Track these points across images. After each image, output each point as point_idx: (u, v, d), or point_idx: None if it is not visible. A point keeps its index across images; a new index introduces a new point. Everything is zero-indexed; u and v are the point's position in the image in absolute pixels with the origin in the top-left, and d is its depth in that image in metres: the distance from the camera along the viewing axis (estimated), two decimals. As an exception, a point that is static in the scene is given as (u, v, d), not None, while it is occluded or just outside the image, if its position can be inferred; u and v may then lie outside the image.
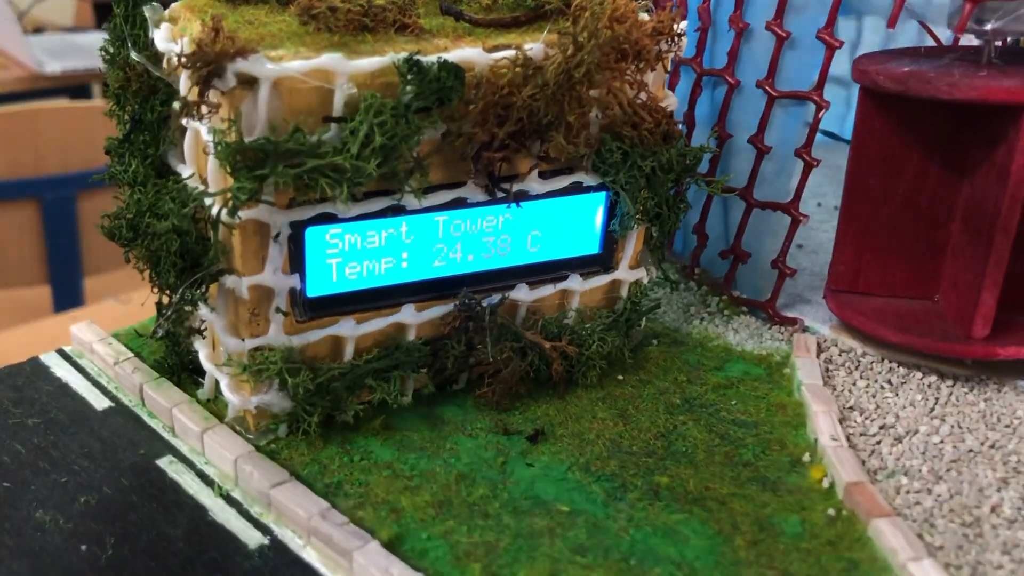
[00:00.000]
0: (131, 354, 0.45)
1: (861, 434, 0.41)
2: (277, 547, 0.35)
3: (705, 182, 0.46)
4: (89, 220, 1.68)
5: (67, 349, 0.47)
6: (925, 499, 0.37)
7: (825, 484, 0.38)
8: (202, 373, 0.42)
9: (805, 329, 0.49)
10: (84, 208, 1.70)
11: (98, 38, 2.65)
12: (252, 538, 0.35)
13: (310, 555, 0.34)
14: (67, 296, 1.66)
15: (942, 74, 0.41)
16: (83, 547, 0.34)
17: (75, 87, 2.40)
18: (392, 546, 0.34)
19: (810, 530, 0.36)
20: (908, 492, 0.38)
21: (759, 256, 0.51)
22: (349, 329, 0.39)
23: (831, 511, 0.37)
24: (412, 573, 0.32)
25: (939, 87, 0.40)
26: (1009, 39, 0.44)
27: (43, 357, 0.46)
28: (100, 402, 0.43)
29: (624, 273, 0.46)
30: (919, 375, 0.46)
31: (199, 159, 0.38)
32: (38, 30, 2.67)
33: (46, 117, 1.83)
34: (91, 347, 0.46)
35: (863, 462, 0.39)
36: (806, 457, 0.40)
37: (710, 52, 0.52)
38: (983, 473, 0.39)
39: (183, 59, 0.34)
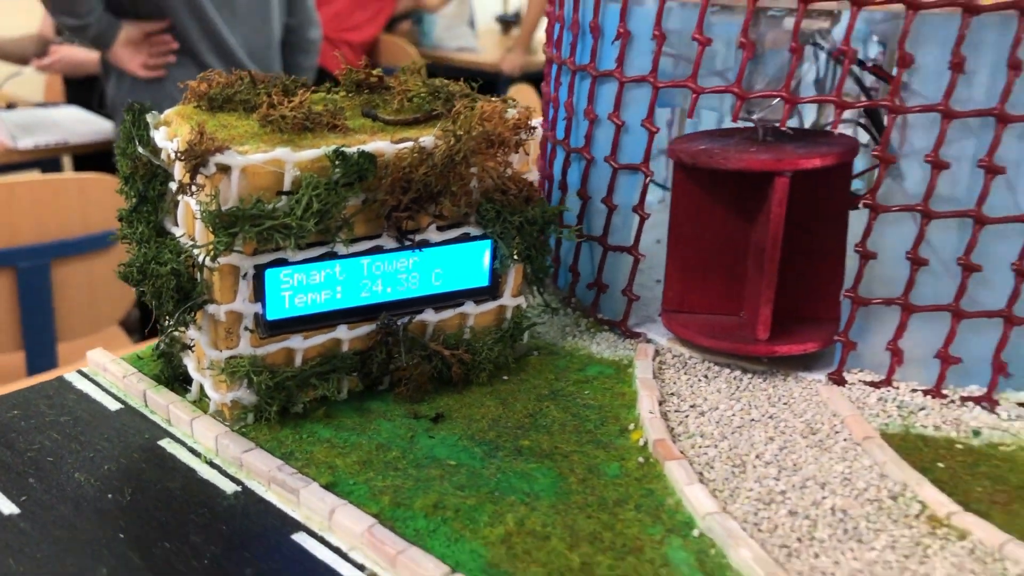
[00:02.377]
0: (135, 370, 0.59)
1: (675, 411, 0.57)
2: (247, 492, 0.49)
3: (563, 231, 0.62)
4: (63, 287, 1.79)
5: (84, 369, 0.61)
6: (711, 451, 0.53)
7: (641, 443, 0.54)
8: (189, 382, 0.57)
9: (648, 341, 0.65)
10: (58, 275, 1.82)
11: (68, 113, 2.77)
12: (229, 487, 0.49)
13: (270, 496, 0.49)
14: (41, 361, 1.77)
15: (721, 150, 0.57)
16: (109, 495, 0.48)
17: (47, 160, 2.54)
18: (327, 488, 0.48)
19: (624, 472, 0.51)
20: (699, 447, 0.53)
21: (615, 287, 0.66)
22: (298, 343, 0.54)
23: (641, 459, 0.52)
24: (340, 501, 0.47)
25: (718, 160, 0.57)
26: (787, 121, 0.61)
27: (66, 376, 0.61)
28: (113, 405, 0.57)
29: (507, 300, 0.61)
30: (728, 371, 0.61)
31: (188, 222, 0.53)
32: (11, 106, 2.80)
33: (20, 190, 1.96)
34: (104, 366, 0.60)
35: (671, 429, 0.55)
36: (632, 427, 0.55)
37: (574, 135, 0.68)
38: (758, 434, 0.54)
39: (178, 154, 0.49)
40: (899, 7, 0.51)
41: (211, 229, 0.49)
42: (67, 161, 2.74)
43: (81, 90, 2.95)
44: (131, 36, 1.87)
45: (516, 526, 0.46)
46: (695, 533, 0.46)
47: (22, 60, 2.87)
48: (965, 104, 0.52)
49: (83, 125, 2.52)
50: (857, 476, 0.50)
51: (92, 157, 2.43)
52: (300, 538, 0.46)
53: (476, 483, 0.49)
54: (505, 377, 0.61)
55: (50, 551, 0.44)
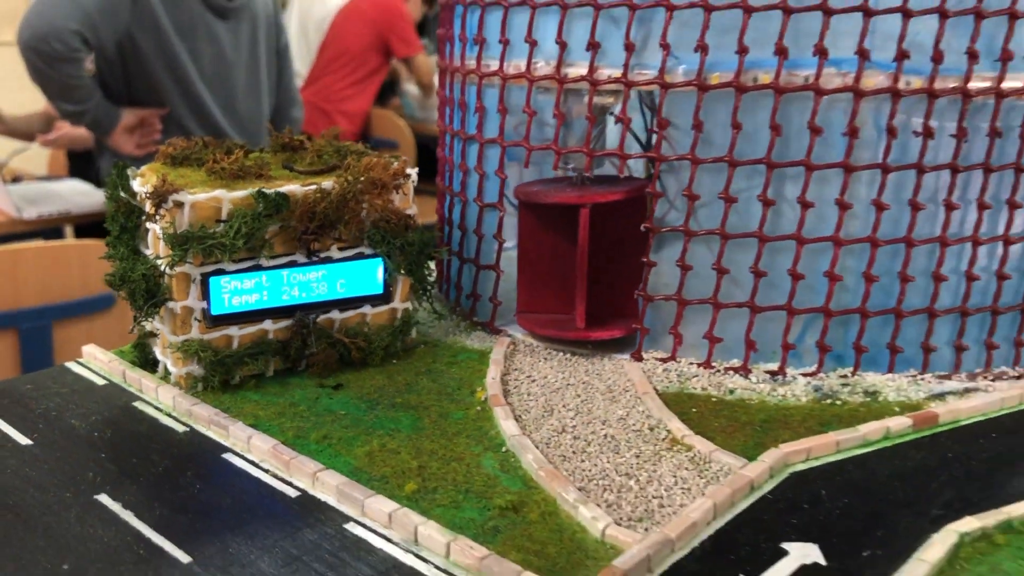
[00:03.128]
0: (117, 358, 0.80)
1: (514, 380, 0.77)
2: (193, 431, 0.69)
3: (437, 252, 0.83)
4: (63, 347, 1.97)
5: (80, 360, 0.82)
6: (531, 403, 0.73)
7: (483, 399, 0.74)
8: (157, 365, 0.77)
9: (509, 335, 0.86)
10: (59, 336, 2.00)
11: (71, 185, 2.96)
12: (181, 428, 0.69)
13: (210, 433, 0.69)
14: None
15: (544, 191, 0.79)
16: (95, 433, 0.68)
17: (49, 229, 2.71)
18: (250, 426, 0.68)
19: (466, 416, 0.71)
20: (523, 400, 0.73)
21: (485, 295, 0.87)
22: (235, 331, 0.75)
23: (479, 408, 0.72)
24: (256, 431, 0.67)
25: (540, 197, 0.78)
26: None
27: (67, 364, 0.81)
28: (100, 381, 0.77)
29: (397, 304, 0.82)
30: (562, 354, 0.82)
31: (154, 243, 0.74)
32: (16, 179, 3.01)
33: (25, 256, 2.15)
34: (95, 356, 0.80)
35: (506, 390, 0.75)
36: (479, 389, 0.76)
37: (456, 183, 0.90)
38: (569, 393, 0.75)
39: (147, 195, 0.70)
40: (653, 86, 0.73)
41: (169, 246, 0.70)
42: (68, 230, 2.92)
43: (83, 163, 3.16)
44: (128, 123, 2.03)
45: (379, 447, 0.66)
46: (503, 449, 0.66)
47: (28, 136, 3.05)
48: (708, 153, 0.74)
49: (84, 197, 2.68)
50: (631, 417, 0.70)
51: (92, 226, 2.60)
52: (228, 456, 0.66)
53: (357, 425, 0.70)
54: (395, 361, 0.81)
55: (54, 465, 0.64)
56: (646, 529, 0.56)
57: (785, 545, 0.56)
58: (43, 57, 1.88)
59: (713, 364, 0.78)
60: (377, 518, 0.57)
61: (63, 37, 1.87)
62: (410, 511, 0.57)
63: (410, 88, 3.93)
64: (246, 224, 0.71)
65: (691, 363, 0.79)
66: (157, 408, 0.73)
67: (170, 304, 0.72)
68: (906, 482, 0.63)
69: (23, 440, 0.67)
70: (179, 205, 0.70)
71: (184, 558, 0.53)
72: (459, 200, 0.89)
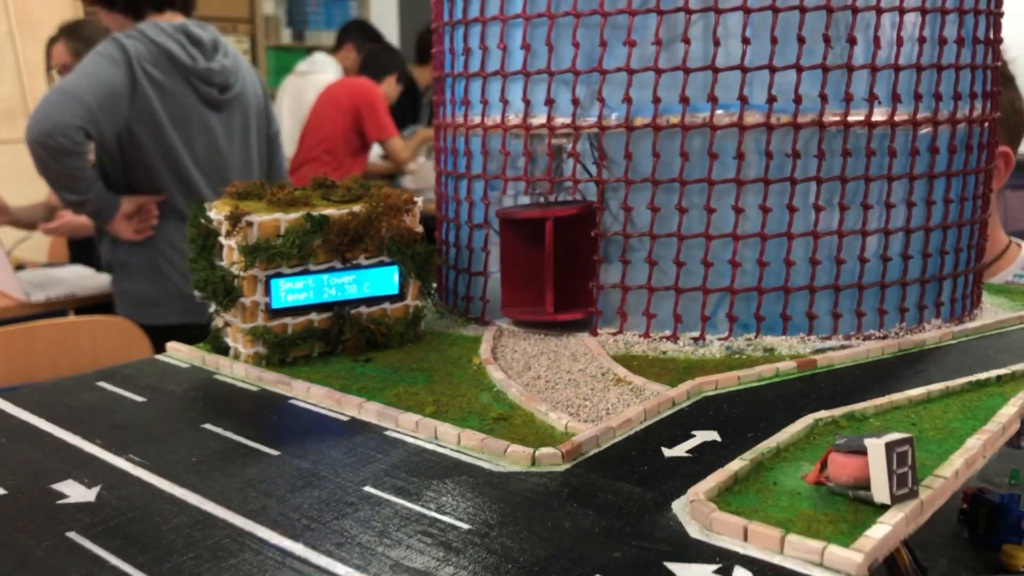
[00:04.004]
0: (196, 349, 1.04)
1: (500, 351, 1.01)
2: (263, 390, 0.93)
3: (437, 260, 1.08)
4: None
5: (164, 354, 1.06)
6: (514, 364, 0.97)
7: (477, 364, 0.98)
8: (227, 352, 1.01)
9: (496, 325, 1.10)
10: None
11: (74, 270, 3.13)
12: (254, 388, 0.93)
13: (277, 388, 0.93)
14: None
15: (517, 211, 1.05)
16: (191, 393, 0.92)
17: (55, 312, 2.89)
18: (308, 383, 0.92)
19: (466, 373, 0.95)
20: (508, 362, 0.97)
21: (476, 296, 1.12)
22: (289, 320, 0.99)
23: (476, 369, 0.96)
24: (314, 385, 0.91)
25: (514, 214, 1.04)
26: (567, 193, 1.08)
27: (155, 356, 1.05)
28: (184, 365, 1.01)
29: (409, 301, 1.07)
30: (537, 335, 1.06)
31: (228, 255, 0.98)
32: (19, 267, 3.21)
33: (38, 332, 2.32)
34: (178, 348, 1.05)
35: (495, 357, 0.99)
36: (475, 358, 1.00)
37: (451, 211, 1.16)
38: (544, 358, 0.99)
39: (225, 218, 0.96)
40: (595, 129, 1.00)
41: (242, 255, 0.95)
42: (71, 314, 3.09)
43: (82, 250, 3.35)
44: (127, 211, 2.18)
45: (403, 392, 0.90)
46: (495, 389, 0.90)
47: (31, 226, 3.23)
48: (637, 175, 1.00)
49: (88, 280, 2.84)
50: (588, 369, 0.95)
51: (93, 308, 2.73)
52: (293, 401, 0.90)
53: (385, 381, 0.94)
54: (409, 344, 1.06)
55: (167, 411, 0.88)
56: (565, 427, 0.80)
57: (693, 432, 0.80)
58: (49, 151, 2.03)
59: (651, 335, 1.03)
60: (407, 426, 0.81)
61: (68, 132, 2.02)
62: (431, 419, 0.81)
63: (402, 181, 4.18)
64: (298, 238, 0.96)
65: (634, 335, 1.04)
66: (232, 379, 0.97)
67: (242, 299, 0.97)
68: (787, 401, 0.87)
69: (138, 398, 0.91)
70: (249, 224, 0.95)
71: (275, 452, 0.77)
72: (453, 224, 1.15)
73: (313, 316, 1.01)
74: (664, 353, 1.00)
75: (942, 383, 0.88)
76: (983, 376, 0.89)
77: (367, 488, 0.70)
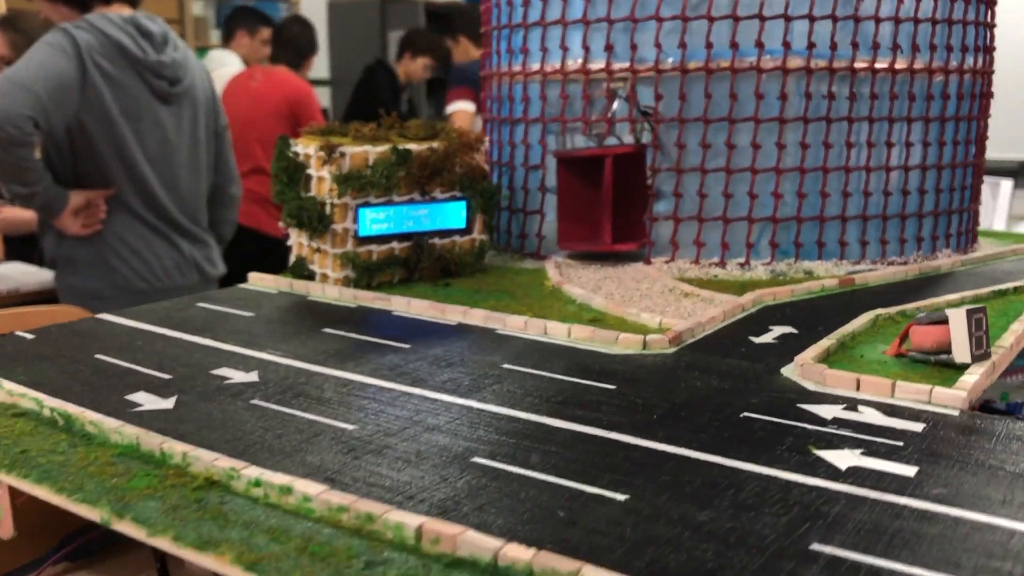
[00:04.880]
0: (280, 277, 1.10)
1: (568, 278, 1.10)
2: (361, 307, 1.00)
3: (499, 198, 1.16)
4: None
5: (246, 284, 1.11)
6: (585, 286, 1.06)
7: (551, 286, 1.07)
8: (312, 278, 1.08)
9: (554, 260, 1.19)
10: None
11: (14, 267, 3.05)
12: (352, 305, 1.00)
13: (375, 304, 1.00)
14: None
15: (577, 151, 1.14)
16: (298, 310, 0.98)
17: None
18: (406, 299, 1.00)
19: (543, 292, 1.04)
20: (579, 285, 1.06)
21: (531, 234, 1.21)
22: (374, 248, 1.06)
23: (551, 289, 1.05)
24: (413, 299, 0.98)
25: (575, 154, 1.13)
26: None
27: (239, 285, 1.10)
28: (273, 291, 1.08)
29: (475, 235, 1.15)
30: (595, 265, 1.16)
31: (318, 186, 1.05)
32: None
33: None
34: (261, 278, 1.11)
35: (563, 281, 1.08)
36: (546, 282, 1.09)
37: (504, 156, 1.24)
38: (609, 281, 1.08)
39: (319, 149, 1.02)
40: (652, 73, 1.10)
41: (336, 184, 1.02)
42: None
43: (20, 247, 3.25)
44: (76, 205, 2.15)
45: (496, 305, 0.98)
46: (577, 302, 0.99)
47: None
48: (690, 115, 1.10)
49: (29, 276, 2.77)
50: (654, 288, 1.04)
51: (38, 304, 2.70)
52: (396, 314, 0.97)
53: (473, 298, 1.02)
54: (478, 274, 1.14)
55: (275, 324, 0.94)
56: (659, 323, 0.90)
57: (770, 327, 0.90)
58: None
59: (700, 262, 1.13)
60: (516, 326, 0.90)
61: (17, 122, 1.98)
62: (538, 318, 0.89)
63: None
64: (385, 170, 1.04)
65: (685, 262, 1.14)
66: (326, 299, 1.04)
67: (334, 226, 1.04)
68: (839, 307, 0.98)
69: (246, 313, 0.97)
70: (342, 155, 1.02)
71: (405, 346, 0.85)
72: (507, 168, 1.24)
73: (394, 245, 1.08)
74: (715, 276, 1.10)
75: (971, 291, 1.00)
76: (1002, 287, 1.02)
77: (505, 365, 0.78)
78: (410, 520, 0.48)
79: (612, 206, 1.14)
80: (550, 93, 1.18)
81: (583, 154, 1.14)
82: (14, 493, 0.67)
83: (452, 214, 1.12)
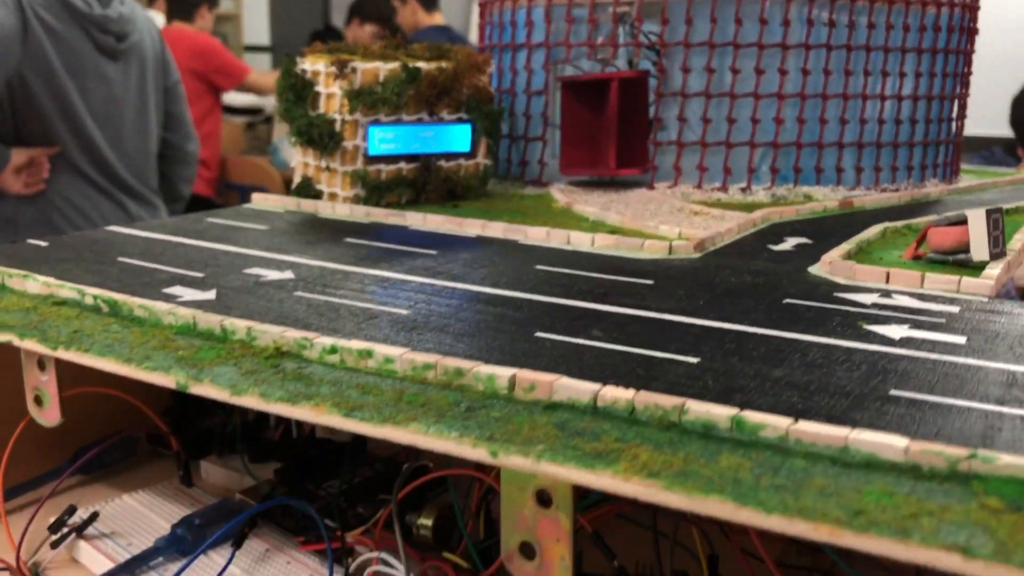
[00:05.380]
0: (286, 197, 1.09)
1: (575, 202, 1.11)
2: (375, 223, 1.00)
3: (501, 122, 1.17)
4: None
5: (250, 204, 1.10)
6: (594, 208, 1.07)
7: (559, 207, 1.08)
8: (319, 196, 1.07)
9: (556, 186, 1.20)
10: None
11: None
12: (366, 221, 1.00)
13: (389, 220, 0.99)
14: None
15: (581, 75, 1.14)
16: (310, 225, 0.98)
17: None
18: (421, 214, 1.00)
19: (554, 211, 1.05)
20: (588, 207, 1.07)
21: (533, 161, 1.22)
22: (383, 167, 1.06)
23: (561, 209, 1.06)
24: (428, 214, 0.98)
25: (581, 77, 1.14)
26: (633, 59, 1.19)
27: (244, 205, 1.09)
28: (280, 210, 1.06)
29: (479, 159, 1.15)
30: (600, 190, 1.17)
31: (327, 103, 1.04)
32: None
33: None
34: (266, 198, 1.09)
35: (571, 203, 1.09)
36: (555, 204, 1.09)
37: (506, 82, 1.24)
38: (614, 204, 1.09)
39: (331, 64, 1.01)
40: (659, -4, 1.11)
41: (347, 99, 1.01)
42: None
43: None
44: (18, 163, 2.08)
45: (510, 219, 0.99)
46: (591, 220, 1.00)
47: None
48: (695, 40, 1.12)
49: None
50: (662, 208, 1.06)
51: None
52: (412, 229, 0.97)
53: (486, 214, 1.02)
54: (483, 198, 1.14)
55: (303, 237, 0.93)
56: (679, 234, 0.92)
57: (784, 238, 0.92)
58: None
59: (703, 186, 1.15)
60: (538, 236, 0.90)
61: None
62: (560, 228, 0.90)
63: (278, 142, 4.05)
64: (396, 87, 1.03)
65: (688, 187, 1.16)
66: (337, 217, 1.03)
67: (344, 143, 1.03)
68: (845, 223, 1.01)
69: (260, 227, 0.96)
70: (354, 71, 1.02)
71: (432, 252, 0.85)
72: (508, 95, 1.24)
73: (403, 165, 1.08)
74: (719, 200, 1.12)
75: (966, 210, 1.03)
76: (992, 208, 1.06)
77: (538, 267, 0.79)
78: (501, 371, 0.49)
79: (617, 133, 1.15)
80: (555, 17, 1.18)
81: (588, 78, 1.15)
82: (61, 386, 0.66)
83: (458, 137, 1.12)
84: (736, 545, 0.62)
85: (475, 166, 1.15)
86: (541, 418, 0.45)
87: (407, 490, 0.65)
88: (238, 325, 0.58)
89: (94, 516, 0.76)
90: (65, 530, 0.76)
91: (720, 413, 0.42)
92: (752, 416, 0.42)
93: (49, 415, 0.65)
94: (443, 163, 1.11)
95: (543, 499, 0.44)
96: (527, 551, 0.45)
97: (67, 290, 0.67)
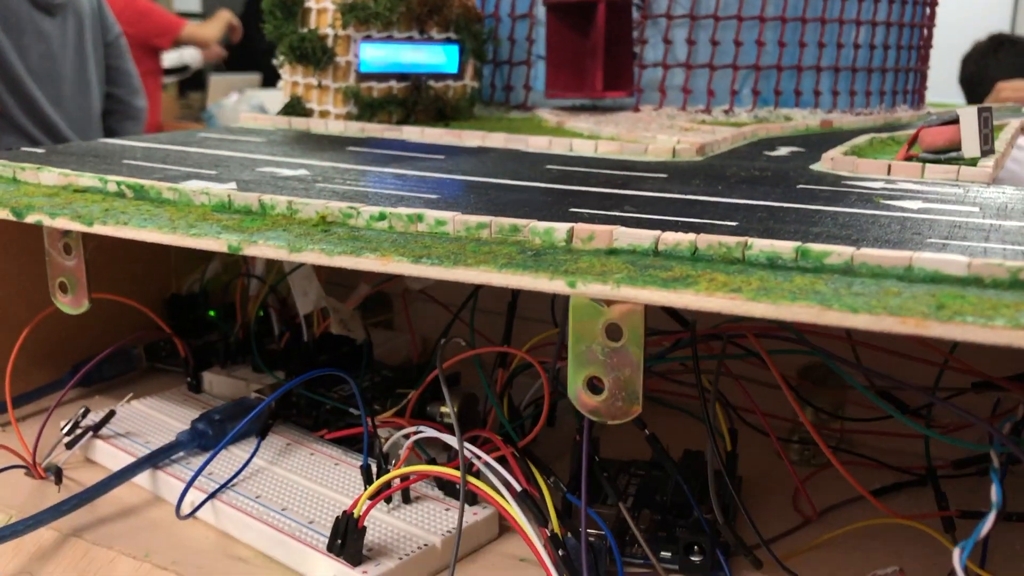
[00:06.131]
0: (276, 116, 1.08)
1: (563, 120, 1.12)
2: (374, 137, 0.99)
3: (489, 44, 1.17)
4: None
5: (241, 124, 1.09)
6: (587, 126, 1.08)
7: (550, 126, 1.09)
8: (309, 115, 1.06)
9: (542, 109, 1.21)
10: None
11: None
12: (360, 135, 0.99)
13: (387, 135, 0.99)
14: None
15: (571, -6, 1.15)
16: (306, 139, 0.97)
17: None
18: (418, 128, 1.00)
19: (543, 129, 1.06)
20: (581, 126, 1.09)
21: (518, 86, 1.22)
22: (375, 84, 1.05)
23: (549, 126, 1.07)
24: (425, 128, 0.98)
25: (561, 1, 1.15)
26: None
27: (232, 125, 1.07)
28: (271, 127, 1.05)
29: (467, 81, 1.15)
30: (586, 113, 1.18)
31: (317, 19, 1.03)
32: None
33: None
34: (255, 118, 1.08)
35: (562, 121, 1.10)
36: (546, 124, 1.10)
37: (490, 5, 1.24)
38: (604, 125, 1.11)
39: (322, -21, 1.00)
40: (646, -83, 1.12)
41: (340, 13, 1.00)
42: None
43: None
44: None
45: (486, 125, 0.99)
46: (585, 134, 1.01)
47: None
48: (680, -37, 1.13)
49: None
50: (652, 125, 1.08)
51: None
52: (411, 141, 0.97)
53: (481, 128, 1.03)
54: (471, 119, 1.14)
55: (297, 145, 0.93)
56: (678, 141, 0.94)
57: (777, 147, 0.95)
58: None
59: (687, 108, 1.17)
60: (539, 144, 0.91)
61: None
62: (560, 136, 0.91)
63: (214, 108, 3.96)
64: (388, 1, 1.03)
65: (673, 109, 1.17)
66: (331, 133, 1.02)
67: (337, 58, 1.02)
68: (830, 138, 1.04)
69: (256, 139, 0.95)
70: (346, -15, 1.01)
71: (439, 156, 0.85)
72: (492, 19, 1.24)
73: (393, 84, 1.07)
74: (703, 120, 1.15)
75: (957, 109, 1.07)
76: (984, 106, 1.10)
77: (549, 166, 0.80)
78: (558, 225, 0.50)
79: (604, 58, 1.16)
80: (539, -60, 1.18)
81: (574, 0, 1.15)
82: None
83: (447, 57, 1.12)
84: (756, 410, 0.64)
85: (463, 88, 1.15)
86: (608, 259, 0.46)
87: (448, 365, 0.66)
88: (278, 199, 0.58)
89: (110, 414, 0.76)
90: (79, 431, 0.75)
91: (784, 245, 0.44)
92: (815, 246, 0.44)
93: (76, 301, 0.64)
94: (432, 83, 1.11)
95: (613, 334, 0.45)
96: (594, 386, 0.46)
97: (87, 179, 0.66)
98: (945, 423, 0.72)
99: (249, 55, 4.26)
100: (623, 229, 0.49)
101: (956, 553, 0.40)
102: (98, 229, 0.57)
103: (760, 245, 0.45)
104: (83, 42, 2.21)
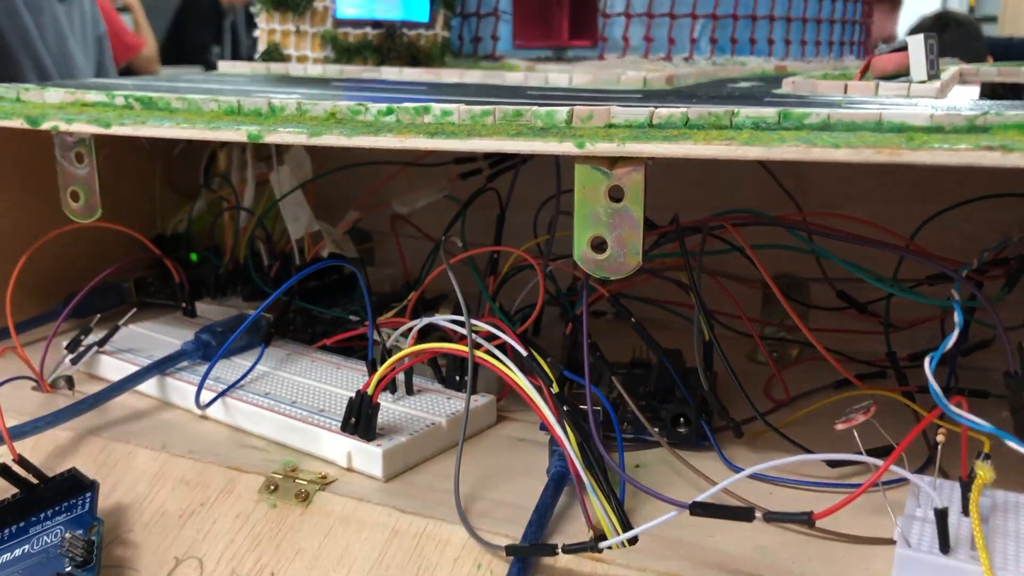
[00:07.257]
0: (252, 63, 1.10)
1: (532, 66, 1.16)
2: (350, 78, 1.03)
3: (463, -5, 1.21)
4: None
5: (217, 72, 1.11)
6: (556, 78, 1.13)
7: (520, 72, 1.13)
8: (286, 60, 1.09)
9: (511, 60, 1.25)
10: None
11: None
12: (338, 77, 1.03)
13: (365, 75, 1.03)
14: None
15: (537, -54, 1.19)
16: (288, 78, 1.00)
17: None
18: (397, 68, 1.03)
19: (518, 76, 1.10)
20: (550, 76, 1.13)
21: (486, 37, 1.26)
22: (350, 30, 1.09)
23: (524, 75, 1.11)
24: (404, 68, 1.02)
25: (536, -52, 1.19)
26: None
27: (209, 73, 1.10)
28: (250, 72, 1.08)
29: (438, 30, 1.19)
30: (553, 62, 1.22)
31: (295, -32, 1.06)
32: None
33: None
34: (234, 66, 1.10)
35: (531, 66, 1.14)
36: (516, 69, 1.14)
37: (454, -39, 1.28)
38: (581, 72, 1.15)
39: (298, -75, 1.03)
40: None
41: (317, -40, 1.03)
42: None
43: None
44: None
45: (461, 67, 1.03)
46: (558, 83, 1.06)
47: None
48: (640, -84, 1.18)
49: None
50: (614, 69, 1.12)
51: None
52: (390, 80, 1.00)
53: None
54: (443, 67, 1.18)
55: (281, 84, 0.96)
56: (644, 79, 0.99)
57: (739, 82, 1.00)
58: None
59: (649, 56, 1.22)
60: (516, 79, 0.96)
61: None
62: (537, 71, 0.95)
63: None
64: (363, -51, 1.06)
65: (635, 57, 1.23)
66: (310, 76, 1.05)
67: (315, 3, 1.05)
68: (783, 79, 1.10)
69: (239, 78, 0.98)
70: (323, -67, 1.04)
71: (423, 87, 0.89)
72: (459, -25, 1.28)
73: (368, 30, 1.11)
74: (666, 67, 1.20)
75: (906, 37, 1.14)
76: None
77: (531, 92, 0.84)
78: (558, 108, 0.54)
79: (570, 3, 1.20)
80: None
81: (539, -47, 1.20)
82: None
83: (417, 5, 1.16)
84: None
85: (434, 36, 1.18)
86: (609, 131, 0.51)
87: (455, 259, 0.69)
88: (287, 101, 0.62)
89: (114, 329, 0.78)
90: (82, 348, 0.77)
91: (768, 111, 0.49)
92: (796, 110, 0.49)
93: (88, 209, 0.67)
94: (406, 31, 1.14)
95: (615, 196, 0.50)
96: (598, 245, 0.51)
97: (93, 94, 0.69)
98: (904, 322, 0.78)
99: (185, 51, 4.26)
100: (619, 108, 0.53)
101: (926, 362, 0.45)
102: (116, 130, 0.60)
103: (746, 111, 0.50)
104: (86, 33, 2.25)
